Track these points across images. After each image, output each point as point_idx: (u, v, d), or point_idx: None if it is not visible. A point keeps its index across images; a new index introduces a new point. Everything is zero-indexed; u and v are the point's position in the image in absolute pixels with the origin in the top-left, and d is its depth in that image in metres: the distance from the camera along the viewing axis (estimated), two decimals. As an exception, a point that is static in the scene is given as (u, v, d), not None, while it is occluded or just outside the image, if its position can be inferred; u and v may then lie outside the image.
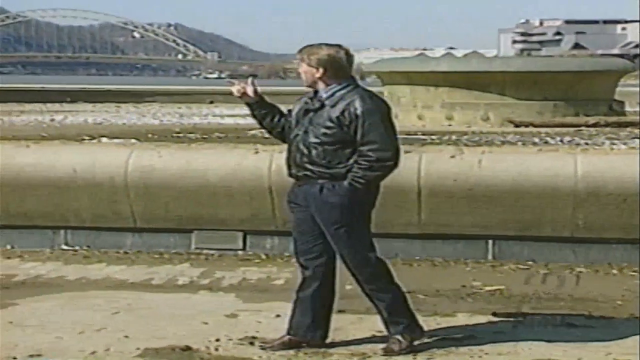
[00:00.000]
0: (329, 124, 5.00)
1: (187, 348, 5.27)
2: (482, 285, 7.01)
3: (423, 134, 15.71)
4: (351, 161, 5.00)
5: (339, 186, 5.00)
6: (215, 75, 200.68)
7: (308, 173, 5.06)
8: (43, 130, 15.88)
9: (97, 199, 8.18)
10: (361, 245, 5.14)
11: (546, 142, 10.39)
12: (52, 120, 20.58)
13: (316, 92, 5.14)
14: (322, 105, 5.06)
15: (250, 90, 5.30)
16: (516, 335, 5.62)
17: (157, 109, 24.45)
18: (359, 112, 4.98)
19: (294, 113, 5.22)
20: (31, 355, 5.13)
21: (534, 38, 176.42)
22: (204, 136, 11.19)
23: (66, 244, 8.38)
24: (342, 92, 5.06)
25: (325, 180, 5.02)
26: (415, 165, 7.81)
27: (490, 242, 7.91)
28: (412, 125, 18.34)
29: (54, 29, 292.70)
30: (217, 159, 8.20)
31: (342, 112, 4.98)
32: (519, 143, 10.40)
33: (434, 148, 8.86)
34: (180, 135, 11.55)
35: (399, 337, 5.19)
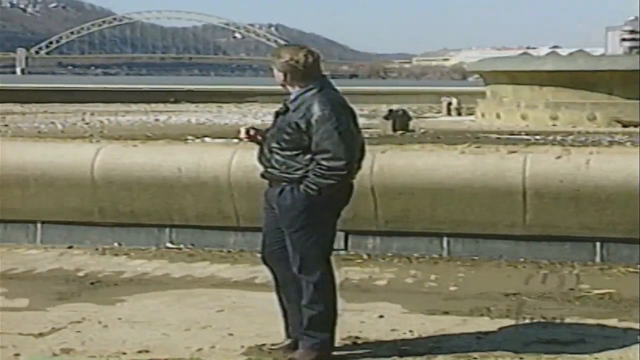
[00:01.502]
0: (289, 129, 4.90)
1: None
2: (591, 288, 6.86)
3: (527, 134, 15.53)
4: (310, 167, 4.87)
5: (296, 190, 4.91)
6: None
7: (272, 176, 5.03)
8: (148, 130, 16.25)
9: (201, 198, 8.31)
10: (314, 252, 4.99)
11: (656, 143, 10.13)
12: (157, 120, 21.05)
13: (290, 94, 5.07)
14: (287, 109, 4.98)
15: (253, 133, 5.16)
16: (627, 340, 5.47)
17: (258, 109, 24.71)
18: (313, 119, 4.84)
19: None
20: (139, 351, 5.23)
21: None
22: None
23: (171, 242, 8.54)
24: (305, 95, 4.93)
25: (286, 183, 4.95)
26: (520, 166, 7.71)
27: (598, 244, 7.74)
28: (516, 125, 18.15)
29: (158, 31, 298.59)
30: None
31: (301, 117, 4.87)
32: (628, 143, 10.16)
33: (539, 148, 8.73)
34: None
35: (307, 350, 5.03)
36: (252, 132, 5.14)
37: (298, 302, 5.11)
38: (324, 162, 4.82)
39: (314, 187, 4.86)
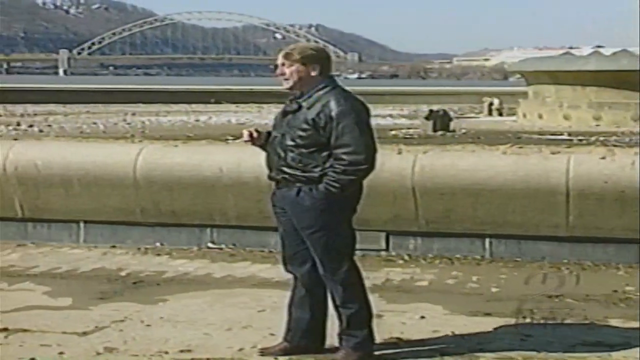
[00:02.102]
0: (305, 126, 4.83)
1: (335, 348, 5.29)
2: (635, 290, 6.78)
3: (569, 135, 15.39)
4: (327, 164, 4.81)
5: (315, 189, 4.83)
6: (355, 76, 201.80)
7: (285, 176, 4.91)
8: (189, 130, 16.33)
9: (242, 198, 8.33)
10: (336, 251, 4.94)
11: (703, 143, 9.98)
12: (197, 120, 21.14)
13: (301, 94, 4.94)
14: (299, 107, 4.90)
15: (256, 135, 5.07)
16: (673, 343, 5.40)
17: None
18: (333, 113, 4.79)
19: (275, 117, 5.11)
20: (182, 351, 5.26)
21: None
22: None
23: (212, 242, 8.57)
24: (320, 93, 4.88)
25: (302, 184, 4.86)
26: (563, 167, 7.64)
27: (643, 246, 7.65)
28: (558, 126, 18.00)
29: (199, 31, 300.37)
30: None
31: (318, 114, 4.81)
32: (673, 144, 10.02)
33: (583, 149, 8.64)
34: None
35: (349, 350, 4.98)
36: (255, 135, 5.05)
37: (324, 305, 5.08)
38: (344, 157, 4.77)
39: (335, 184, 4.80)
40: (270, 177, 5.05)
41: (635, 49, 19.45)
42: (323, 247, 4.92)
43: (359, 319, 5.00)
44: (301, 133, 4.84)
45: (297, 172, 4.86)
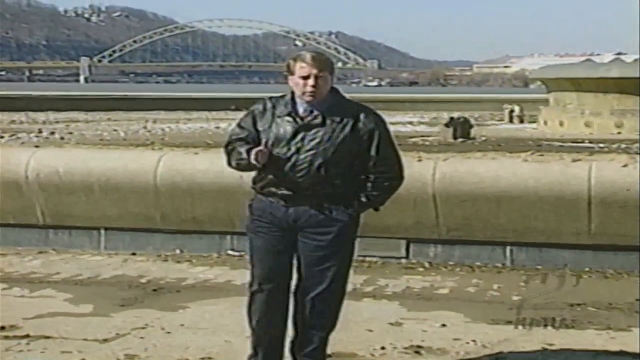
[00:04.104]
0: (340, 139, 4.46)
1: (353, 355, 5.29)
2: (659, 299, 6.73)
3: (591, 142, 15.33)
4: (361, 179, 4.55)
5: (351, 208, 4.56)
6: (375, 83, 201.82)
7: (307, 193, 4.50)
8: (209, 138, 16.37)
9: (263, 205, 8.32)
10: (348, 270, 4.71)
11: None
12: (217, 127, 21.20)
13: (310, 105, 4.52)
14: (323, 119, 4.49)
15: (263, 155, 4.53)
16: (697, 352, 5.36)
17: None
18: (370, 125, 4.51)
19: (277, 130, 4.53)
20: (202, 358, 5.26)
21: None
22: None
23: (233, 249, 8.58)
24: (334, 100, 4.54)
25: (332, 201, 4.52)
26: (585, 174, 7.60)
27: (665, 254, 7.60)
28: (579, 133, 17.94)
29: (219, 39, 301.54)
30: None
31: (353, 127, 4.48)
32: (697, 151, 9.95)
33: (605, 156, 8.60)
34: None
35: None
36: (263, 151, 4.51)
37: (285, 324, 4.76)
38: (387, 170, 4.58)
39: (379, 199, 4.62)
40: (279, 195, 4.57)
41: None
42: (342, 265, 4.65)
43: (326, 344, 4.81)
44: (332, 148, 4.46)
45: (328, 189, 4.50)
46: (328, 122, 4.50)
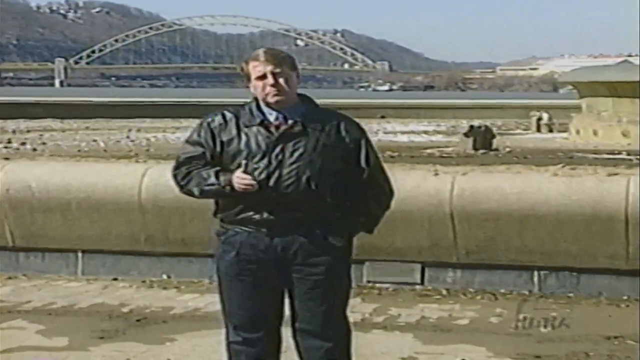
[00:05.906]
0: (328, 152, 4.34)
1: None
2: None
3: (628, 154, 15.35)
4: (351, 197, 4.42)
5: (343, 228, 4.44)
6: (386, 87, 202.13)
7: (295, 216, 4.32)
8: (200, 149, 16.40)
9: (260, 225, 8.34)
10: (347, 299, 4.56)
11: None
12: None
13: (281, 113, 4.37)
14: (303, 128, 4.35)
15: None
16: None
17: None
18: (356, 135, 4.43)
19: (248, 143, 4.34)
20: (191, 397, 5.27)
21: None
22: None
23: (226, 274, 8.57)
24: (309, 108, 4.46)
25: (321, 224, 4.37)
26: (622, 190, 7.61)
27: None
28: (616, 144, 17.97)
29: (211, 38, 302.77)
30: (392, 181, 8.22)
31: (336, 136, 4.38)
32: None
33: (644, 170, 8.61)
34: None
35: None
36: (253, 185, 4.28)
37: None
38: (384, 186, 4.55)
39: (378, 218, 4.57)
40: (256, 222, 4.35)
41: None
42: (339, 296, 4.50)
43: None
44: (319, 158, 4.33)
45: (319, 206, 4.34)
46: (309, 130, 4.36)
